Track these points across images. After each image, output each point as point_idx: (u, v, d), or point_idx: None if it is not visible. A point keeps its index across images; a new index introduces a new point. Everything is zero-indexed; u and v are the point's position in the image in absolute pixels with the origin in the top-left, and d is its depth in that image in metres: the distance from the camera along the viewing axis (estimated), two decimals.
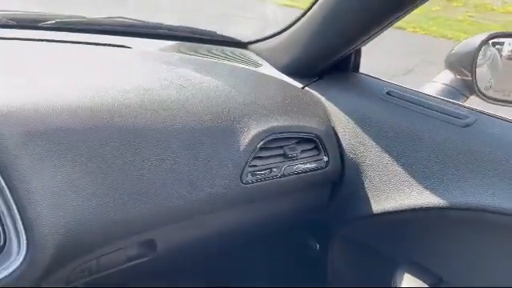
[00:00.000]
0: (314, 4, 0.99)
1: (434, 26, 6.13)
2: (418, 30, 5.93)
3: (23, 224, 0.61)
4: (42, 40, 1.00)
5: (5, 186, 0.60)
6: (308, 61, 1.07)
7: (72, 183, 0.65)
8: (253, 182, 0.85)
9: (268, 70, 1.12)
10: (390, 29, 0.94)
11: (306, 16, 1.02)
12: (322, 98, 1.03)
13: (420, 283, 0.91)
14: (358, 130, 0.96)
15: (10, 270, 0.60)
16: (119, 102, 0.75)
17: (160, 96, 0.81)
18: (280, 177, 0.90)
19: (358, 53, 1.09)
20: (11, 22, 1.04)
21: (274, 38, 1.17)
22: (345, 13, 0.94)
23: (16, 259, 0.60)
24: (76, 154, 0.66)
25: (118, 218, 0.69)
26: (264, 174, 0.87)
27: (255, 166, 0.86)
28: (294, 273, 1.18)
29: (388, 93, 0.97)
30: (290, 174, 0.91)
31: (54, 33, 1.06)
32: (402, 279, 0.93)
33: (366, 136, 0.95)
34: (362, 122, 0.96)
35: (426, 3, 0.85)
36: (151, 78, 0.87)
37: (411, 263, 0.94)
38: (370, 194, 0.95)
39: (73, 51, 1.00)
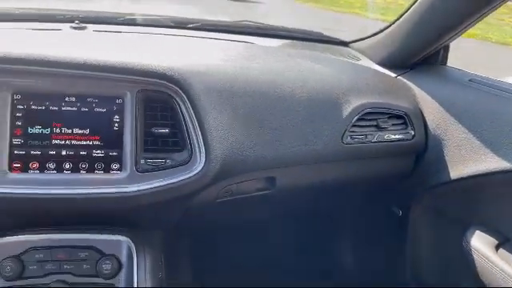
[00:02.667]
0: (408, 9, 1.20)
1: None
2: None
3: (204, 145, 0.90)
4: (194, 37, 1.33)
5: (195, 119, 0.90)
6: (402, 55, 1.28)
7: (233, 126, 0.93)
8: (351, 144, 1.09)
9: (366, 62, 1.35)
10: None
11: (401, 19, 1.23)
12: (412, 85, 1.23)
13: (489, 242, 1.05)
14: (442, 109, 1.14)
15: (194, 172, 0.89)
16: (258, 77, 1.02)
17: (284, 76, 1.07)
18: (373, 142, 1.12)
19: (446, 48, 1.27)
20: (169, 23, 1.39)
21: (372, 38, 1.40)
22: (435, 15, 1.13)
23: (197, 167, 0.90)
24: (236, 107, 0.95)
25: (256, 154, 0.96)
26: (360, 138, 1.10)
27: (354, 131, 1.09)
28: (378, 232, 1.37)
29: (470, 80, 1.15)
30: (381, 141, 1.13)
31: (198, 32, 1.39)
32: (471, 238, 1.07)
33: (448, 115, 1.13)
34: (446, 104, 1.14)
35: None
36: (275, 64, 1.13)
37: (481, 224, 1.08)
38: (449, 163, 1.12)
39: (217, 45, 1.31)
